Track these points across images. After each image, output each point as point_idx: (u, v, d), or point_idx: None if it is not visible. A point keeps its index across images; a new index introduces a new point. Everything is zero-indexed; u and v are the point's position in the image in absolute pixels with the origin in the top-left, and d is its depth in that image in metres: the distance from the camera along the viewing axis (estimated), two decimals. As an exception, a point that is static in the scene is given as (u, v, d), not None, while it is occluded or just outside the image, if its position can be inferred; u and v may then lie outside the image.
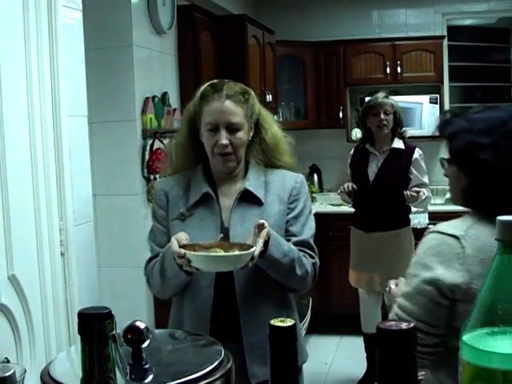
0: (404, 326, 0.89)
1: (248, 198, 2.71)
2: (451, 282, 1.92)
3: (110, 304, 3.74)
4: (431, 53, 7.40)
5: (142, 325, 1.27)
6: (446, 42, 7.69)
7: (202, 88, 2.73)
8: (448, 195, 7.31)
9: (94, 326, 0.92)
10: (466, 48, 8.25)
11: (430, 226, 6.71)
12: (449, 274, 1.93)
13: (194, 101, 2.75)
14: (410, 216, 5.78)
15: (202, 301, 2.66)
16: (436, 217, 6.80)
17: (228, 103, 2.65)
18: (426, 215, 6.63)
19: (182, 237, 2.49)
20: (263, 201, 2.72)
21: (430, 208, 6.75)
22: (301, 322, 6.15)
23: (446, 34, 7.75)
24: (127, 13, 4.48)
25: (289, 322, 1.01)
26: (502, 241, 1.03)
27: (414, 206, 5.52)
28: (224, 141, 2.62)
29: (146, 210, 4.60)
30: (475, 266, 1.90)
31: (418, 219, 6.58)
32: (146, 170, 4.56)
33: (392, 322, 0.90)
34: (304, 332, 6.31)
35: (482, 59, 8.33)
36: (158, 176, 4.58)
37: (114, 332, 1.18)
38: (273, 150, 2.85)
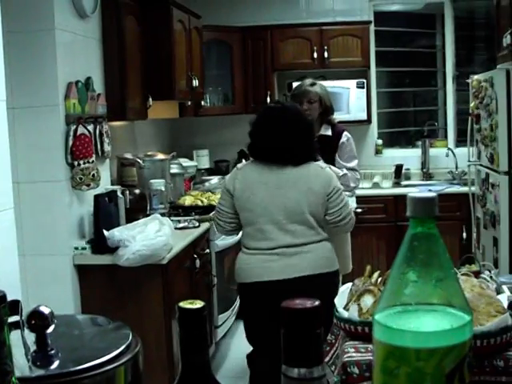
0: (309, 304, 0.87)
1: None
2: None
3: (36, 292, 3.67)
4: (358, 38, 7.45)
5: (46, 310, 1.22)
6: (372, 28, 7.74)
7: None
8: (375, 179, 7.38)
9: (-13, 310, 0.88)
10: (393, 33, 8.32)
11: (358, 209, 6.77)
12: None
13: None
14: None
15: None
16: (363, 200, 6.88)
17: None
18: (354, 199, 6.66)
19: None
20: None
21: (358, 192, 6.80)
22: (230, 307, 6.15)
23: (372, 19, 7.80)
24: (49, -5, 4.39)
25: (198, 304, 0.98)
26: (412, 217, 1.01)
27: None
28: None
29: (70, 197, 4.53)
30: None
31: (346, 203, 6.60)
32: (69, 157, 4.48)
33: (297, 301, 0.88)
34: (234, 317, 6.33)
35: (408, 45, 8.42)
36: (81, 162, 4.50)
37: (20, 317, 1.15)
38: None
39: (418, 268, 1.00)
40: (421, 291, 1.00)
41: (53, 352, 1.21)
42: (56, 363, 1.20)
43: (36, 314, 1.22)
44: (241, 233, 4.25)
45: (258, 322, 4.13)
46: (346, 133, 5.26)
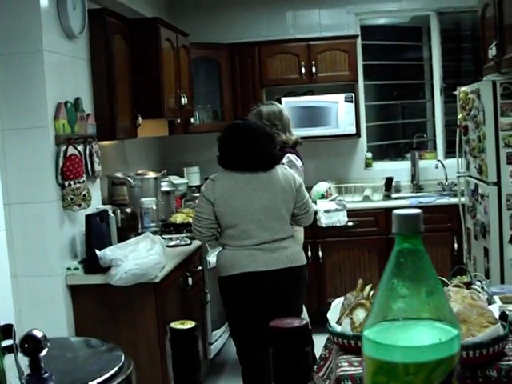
0: (297, 323, 0.88)
1: None
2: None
3: (29, 313, 3.67)
4: (345, 52, 7.48)
5: (39, 333, 1.23)
6: (359, 41, 7.78)
7: None
8: (365, 192, 7.39)
9: (-20, 336, 0.89)
10: (380, 47, 8.36)
11: (349, 223, 6.79)
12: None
13: None
14: (329, 214, 5.86)
15: None
16: (354, 214, 6.89)
17: None
18: (345, 213, 6.69)
19: None
20: None
21: (349, 205, 6.83)
22: (224, 323, 6.13)
23: (359, 33, 7.84)
24: (36, 17, 4.40)
25: (189, 325, 0.99)
26: (398, 234, 1.03)
27: None
28: None
29: (61, 217, 4.53)
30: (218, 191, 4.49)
31: (338, 217, 6.64)
32: (60, 177, 4.48)
33: (285, 320, 0.89)
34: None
35: (395, 57, 8.46)
36: (72, 182, 4.51)
37: (13, 341, 1.15)
38: None
39: (405, 283, 1.01)
40: (408, 306, 1.01)
41: (47, 375, 1.21)
42: (50, 386, 1.20)
43: (29, 337, 1.22)
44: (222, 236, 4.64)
45: (243, 312, 4.54)
46: (288, 155, 5.37)
